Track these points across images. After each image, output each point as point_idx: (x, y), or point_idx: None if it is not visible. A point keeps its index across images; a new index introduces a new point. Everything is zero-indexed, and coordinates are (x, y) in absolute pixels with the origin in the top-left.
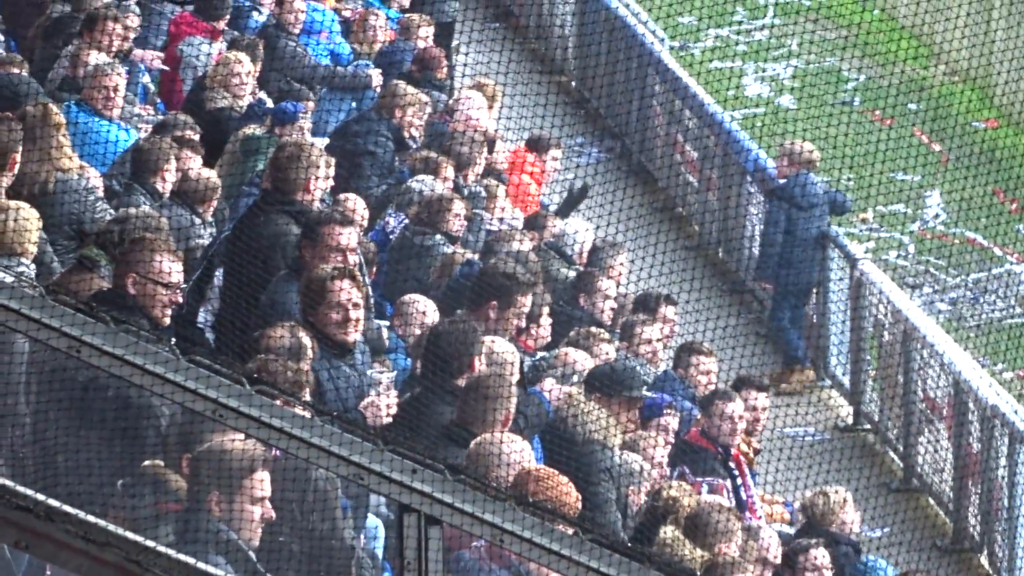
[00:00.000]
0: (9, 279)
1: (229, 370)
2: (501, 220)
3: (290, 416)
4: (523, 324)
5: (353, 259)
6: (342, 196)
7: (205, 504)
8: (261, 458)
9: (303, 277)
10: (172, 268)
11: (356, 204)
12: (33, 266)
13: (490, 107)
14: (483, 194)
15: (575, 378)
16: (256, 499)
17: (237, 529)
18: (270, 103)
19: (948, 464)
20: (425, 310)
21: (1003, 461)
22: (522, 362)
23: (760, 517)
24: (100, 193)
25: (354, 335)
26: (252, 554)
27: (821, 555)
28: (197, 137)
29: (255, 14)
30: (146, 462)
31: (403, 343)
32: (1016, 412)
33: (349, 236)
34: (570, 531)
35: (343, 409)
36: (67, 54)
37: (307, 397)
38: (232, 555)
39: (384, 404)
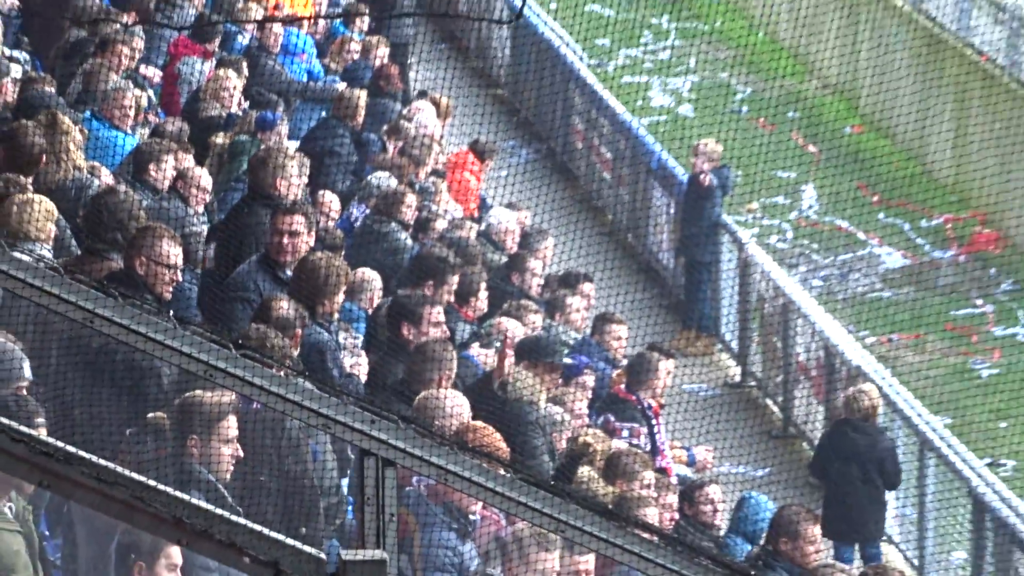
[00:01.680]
0: (30, 260)
1: (219, 337)
2: (446, 212)
3: (269, 375)
4: (452, 298)
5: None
6: (319, 192)
7: (187, 447)
8: (229, 406)
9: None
10: (172, 252)
11: (327, 197)
12: (51, 250)
13: (444, 118)
14: (432, 189)
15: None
16: (225, 440)
17: (211, 466)
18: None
19: (819, 414)
20: (380, 286)
21: None
22: (463, 330)
23: (667, 459)
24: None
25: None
26: (222, 488)
27: (714, 491)
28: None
29: (240, 37)
30: (149, 415)
31: (364, 313)
32: (876, 371)
33: (294, 222)
34: (502, 472)
35: (326, 364)
36: (83, 72)
37: (289, 359)
38: (207, 491)
39: (361, 363)
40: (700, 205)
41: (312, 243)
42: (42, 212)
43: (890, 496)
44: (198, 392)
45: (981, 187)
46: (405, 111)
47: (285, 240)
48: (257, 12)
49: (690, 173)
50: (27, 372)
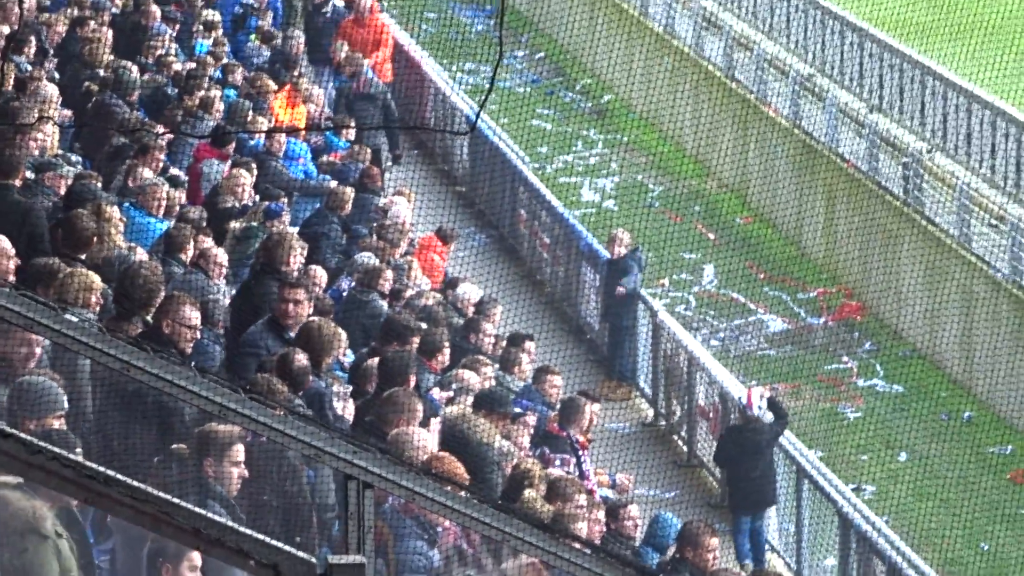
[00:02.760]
0: (78, 321)
1: (232, 384)
2: (417, 285)
3: (271, 415)
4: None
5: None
6: (310, 267)
7: (203, 467)
8: (238, 436)
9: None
10: (193, 316)
11: (318, 272)
12: (96, 315)
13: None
14: (404, 267)
15: (463, 389)
16: (234, 463)
17: (223, 483)
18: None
19: (714, 448)
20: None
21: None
22: (428, 379)
23: (593, 483)
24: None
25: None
26: (231, 501)
27: (635, 510)
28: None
29: (251, 142)
30: (173, 445)
31: (339, 364)
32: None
33: (299, 293)
34: (461, 493)
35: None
36: (123, 170)
37: (288, 401)
38: (220, 503)
39: (349, 408)
40: (617, 280)
41: (311, 310)
42: (88, 283)
43: (772, 512)
44: (213, 424)
45: (847, 267)
46: (383, 203)
47: (290, 307)
48: (263, 123)
49: (608, 256)
50: (64, 403)
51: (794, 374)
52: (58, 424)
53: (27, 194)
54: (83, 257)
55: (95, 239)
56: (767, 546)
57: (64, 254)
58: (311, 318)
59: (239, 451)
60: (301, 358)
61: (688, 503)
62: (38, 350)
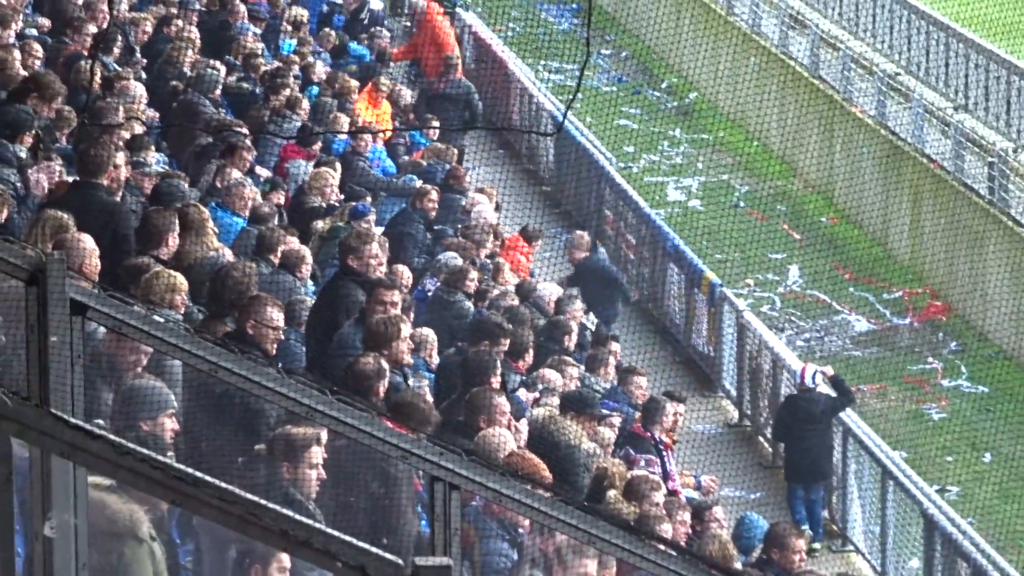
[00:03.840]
0: (166, 322)
1: (318, 384)
2: (503, 285)
3: (359, 415)
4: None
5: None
6: (395, 267)
7: (281, 471)
8: (315, 438)
9: (370, 321)
10: (277, 317)
11: (403, 272)
12: (181, 316)
13: (496, 208)
14: (490, 266)
15: (549, 390)
16: (312, 465)
17: (300, 488)
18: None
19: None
20: (435, 342)
21: (838, 451)
22: (515, 379)
23: (677, 484)
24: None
25: (408, 357)
26: (311, 505)
27: (720, 511)
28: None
29: (336, 142)
30: (257, 446)
31: (424, 363)
32: (847, 415)
33: (394, 295)
34: (546, 494)
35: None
36: (210, 170)
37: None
38: (298, 508)
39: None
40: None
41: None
42: (173, 283)
43: (856, 512)
44: (289, 427)
45: (932, 267)
46: (466, 203)
47: (379, 309)
48: (346, 123)
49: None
50: (174, 403)
51: (879, 375)
52: (171, 424)
53: (113, 193)
54: (164, 257)
55: (169, 236)
56: (823, 520)
57: (143, 251)
58: (380, 315)
59: (316, 453)
60: (369, 361)
61: (773, 504)
62: (144, 358)
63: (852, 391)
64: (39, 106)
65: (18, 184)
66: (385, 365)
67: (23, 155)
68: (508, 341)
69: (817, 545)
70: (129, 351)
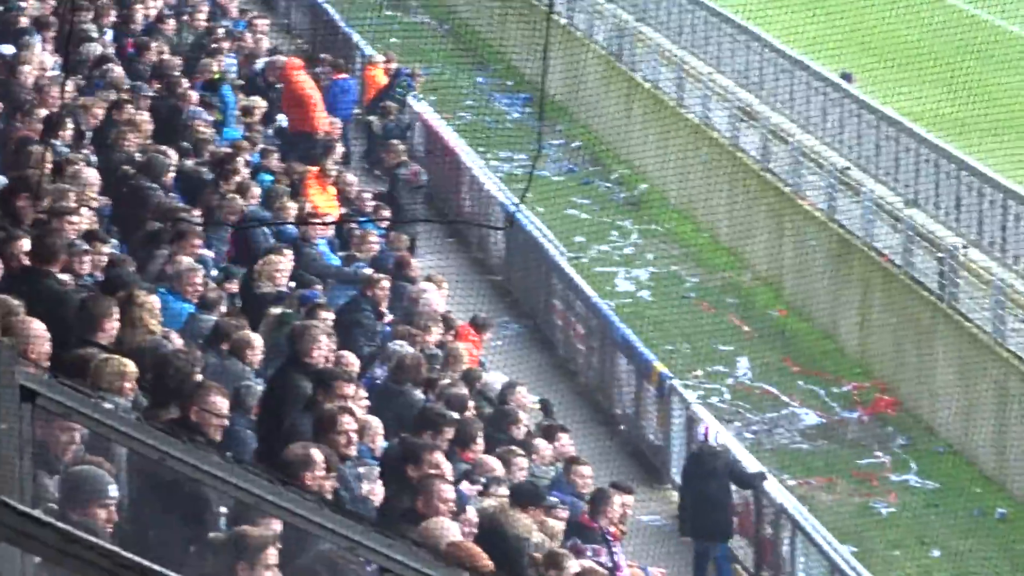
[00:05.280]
0: (112, 407)
1: (267, 474)
2: (450, 374)
3: (306, 505)
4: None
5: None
6: (341, 353)
7: (237, 572)
8: (271, 538)
9: (319, 411)
10: (222, 403)
11: (351, 360)
12: (130, 402)
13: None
14: (439, 355)
15: (494, 480)
16: (269, 567)
17: None
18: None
19: (748, 539)
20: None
21: (787, 545)
22: (460, 469)
23: (627, 574)
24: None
25: (352, 451)
26: None
27: None
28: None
29: (288, 228)
30: (210, 535)
31: (368, 450)
32: (795, 508)
33: (350, 388)
34: None
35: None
36: (161, 256)
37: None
38: None
39: (376, 491)
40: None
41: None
42: (122, 369)
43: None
44: (246, 528)
45: (881, 361)
46: (414, 291)
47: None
48: (294, 210)
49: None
50: (112, 492)
51: (828, 468)
52: (104, 513)
53: (63, 280)
54: (104, 342)
55: (106, 322)
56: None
57: (81, 337)
58: (329, 406)
59: (272, 555)
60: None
61: None
62: (77, 436)
63: (758, 481)
64: None
65: None
66: (315, 453)
67: None
68: (452, 430)
69: None
70: (60, 431)
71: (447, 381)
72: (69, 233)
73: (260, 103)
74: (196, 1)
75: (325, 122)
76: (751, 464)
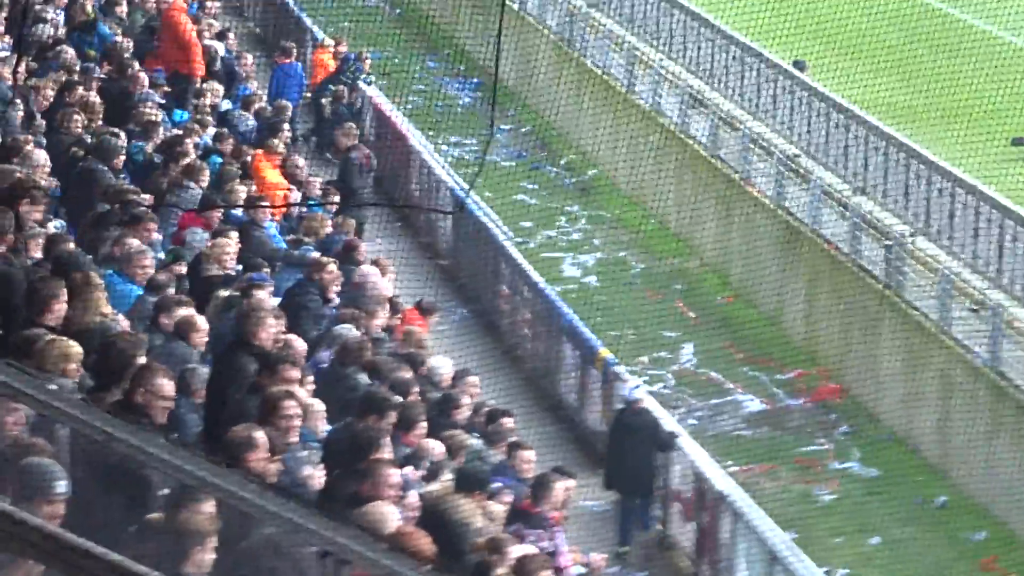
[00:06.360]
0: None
1: (210, 456)
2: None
3: (248, 487)
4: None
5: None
6: (287, 337)
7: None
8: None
9: (265, 395)
10: (167, 386)
11: (297, 343)
12: (76, 384)
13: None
14: (386, 339)
15: (438, 465)
16: (208, 550)
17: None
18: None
19: (691, 530)
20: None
21: (727, 532)
22: (403, 453)
23: (567, 561)
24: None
25: (295, 436)
26: None
27: None
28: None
29: (236, 211)
30: (149, 515)
31: (311, 434)
32: (737, 495)
33: (295, 372)
34: (428, 567)
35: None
36: (110, 238)
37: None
38: None
39: (317, 475)
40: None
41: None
42: (67, 351)
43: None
44: (184, 515)
45: (826, 349)
46: (359, 275)
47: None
48: (243, 193)
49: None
50: (61, 488)
51: (770, 455)
52: (50, 509)
53: (10, 260)
54: (51, 323)
55: (55, 303)
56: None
57: (28, 318)
58: (273, 390)
59: (212, 540)
60: (262, 433)
61: None
62: (23, 416)
63: (671, 441)
64: None
65: None
66: (259, 436)
67: None
68: (395, 415)
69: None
70: (5, 411)
71: (393, 365)
72: (24, 217)
73: (216, 87)
74: None
75: (202, 67)
76: (669, 425)
